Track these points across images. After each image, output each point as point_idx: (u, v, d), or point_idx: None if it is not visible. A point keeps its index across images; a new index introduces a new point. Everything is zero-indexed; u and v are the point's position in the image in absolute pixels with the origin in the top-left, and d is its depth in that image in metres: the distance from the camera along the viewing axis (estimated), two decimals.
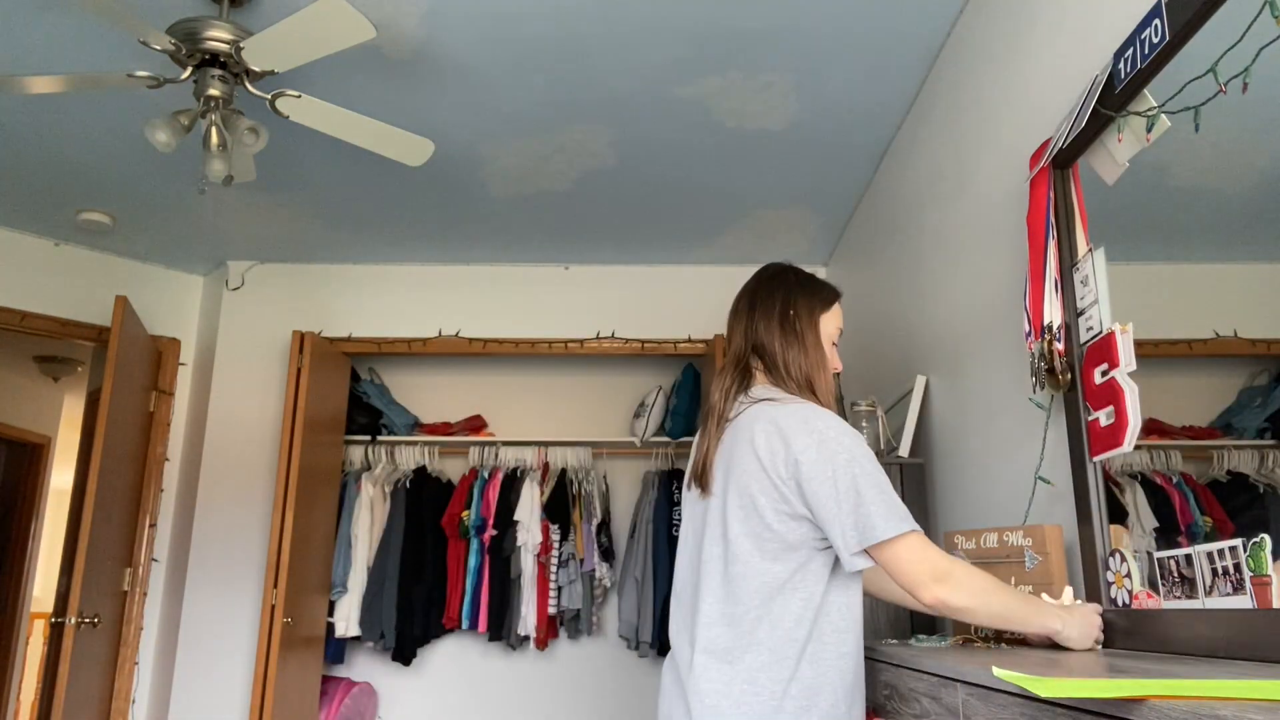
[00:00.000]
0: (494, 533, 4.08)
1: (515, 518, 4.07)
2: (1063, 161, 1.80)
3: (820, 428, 1.44)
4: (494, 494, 4.13)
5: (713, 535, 1.51)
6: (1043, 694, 0.81)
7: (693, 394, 4.44)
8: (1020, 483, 2.03)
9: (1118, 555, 1.58)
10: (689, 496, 1.64)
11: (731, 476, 1.50)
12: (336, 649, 4.11)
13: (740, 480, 1.48)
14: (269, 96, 2.46)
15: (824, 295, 1.66)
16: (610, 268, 4.33)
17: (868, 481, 1.40)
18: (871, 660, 1.69)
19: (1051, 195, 1.81)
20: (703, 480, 1.56)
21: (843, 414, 3.00)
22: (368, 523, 4.16)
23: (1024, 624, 1.45)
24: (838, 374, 1.67)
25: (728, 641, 1.44)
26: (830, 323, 1.64)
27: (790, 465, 1.43)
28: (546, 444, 4.33)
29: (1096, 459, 1.64)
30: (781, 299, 1.62)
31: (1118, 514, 1.63)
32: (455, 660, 4.28)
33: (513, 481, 4.19)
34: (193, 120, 2.46)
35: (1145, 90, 1.52)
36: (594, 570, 4.09)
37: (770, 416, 1.48)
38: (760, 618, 1.43)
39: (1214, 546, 1.30)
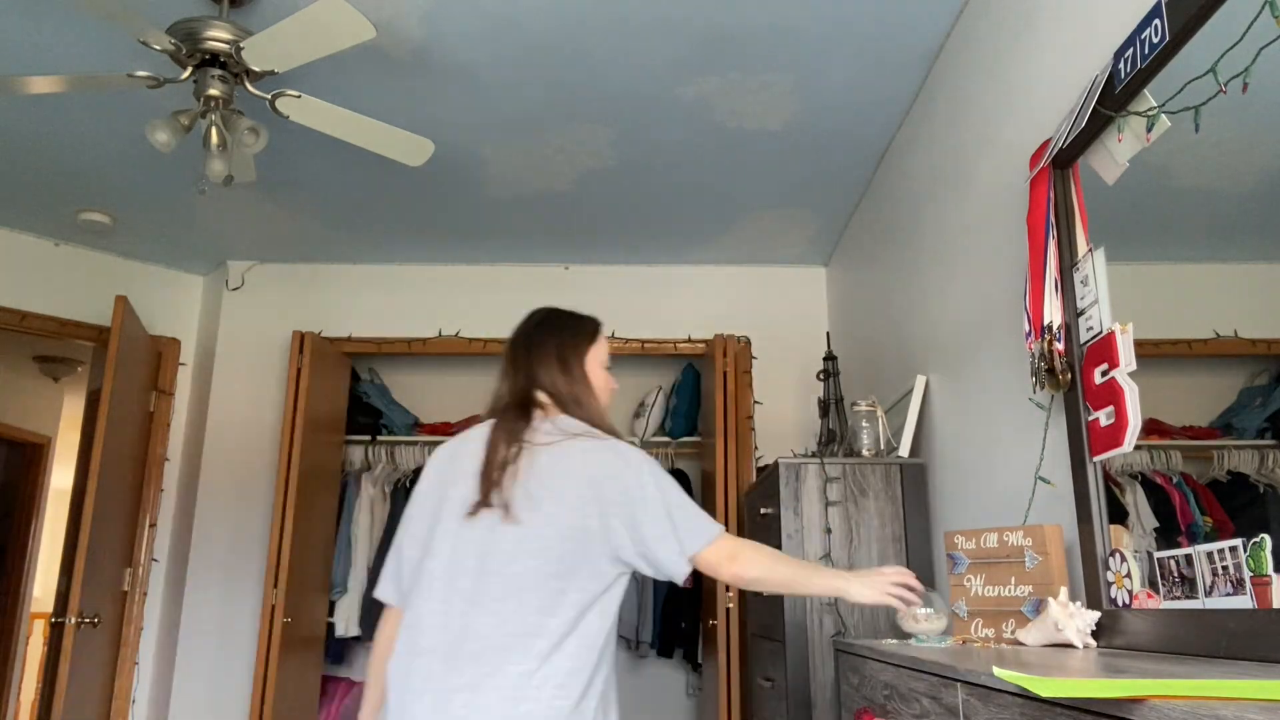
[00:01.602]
0: None
1: None
2: (1063, 161, 1.80)
3: (635, 457, 1.66)
4: None
5: (479, 557, 1.60)
6: (1043, 694, 0.81)
7: (693, 394, 4.44)
8: (1020, 483, 2.03)
9: (1118, 555, 1.58)
10: (488, 519, 1.64)
11: (545, 505, 1.60)
12: (336, 649, 4.12)
13: (530, 505, 1.60)
14: (269, 96, 2.46)
15: (588, 332, 1.84)
16: (610, 268, 4.33)
17: (678, 502, 1.65)
18: (872, 660, 1.69)
19: (1051, 195, 1.81)
20: (488, 502, 1.63)
21: (840, 415, 3.00)
22: (368, 523, 4.16)
23: (808, 586, 1.70)
24: (613, 392, 1.87)
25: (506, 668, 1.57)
26: (600, 353, 1.83)
27: (616, 489, 1.61)
28: None
29: (1097, 459, 1.64)
30: (555, 344, 1.79)
31: (1118, 514, 1.63)
32: None
33: None
34: (193, 120, 2.46)
35: (1145, 90, 1.52)
36: None
37: (593, 449, 1.65)
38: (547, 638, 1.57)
39: (1214, 546, 1.30)
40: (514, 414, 1.72)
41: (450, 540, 1.61)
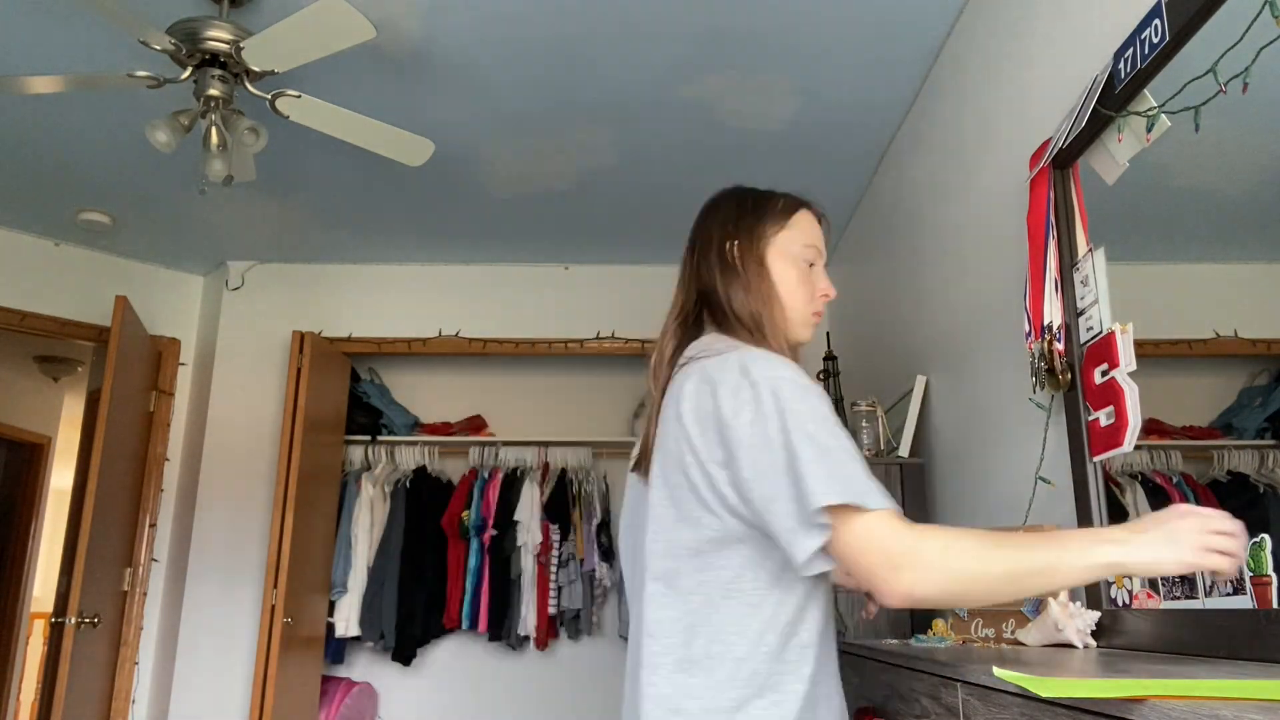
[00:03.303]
0: (494, 533, 4.08)
1: (515, 518, 4.07)
2: (1063, 161, 1.80)
3: (761, 376, 1.12)
4: (494, 494, 4.13)
5: (649, 528, 1.20)
6: (1043, 694, 0.81)
7: None
8: (1020, 483, 2.03)
9: None
10: (632, 480, 1.32)
11: (660, 455, 1.20)
12: (336, 649, 4.11)
13: (668, 458, 1.17)
14: (269, 96, 2.46)
15: (775, 210, 1.34)
16: (610, 268, 4.33)
17: (808, 444, 1.06)
18: (872, 660, 1.69)
19: (1051, 195, 1.81)
20: (643, 462, 1.25)
21: (840, 415, 3.00)
22: (368, 523, 4.16)
23: (1052, 579, 1.03)
24: (827, 300, 1.35)
25: (671, 657, 1.14)
26: (792, 241, 1.32)
27: (720, 427, 1.11)
28: (546, 444, 4.33)
29: (1097, 459, 1.64)
30: (719, 230, 1.33)
31: (1118, 514, 1.63)
32: (455, 660, 4.28)
33: (513, 481, 4.19)
34: (193, 120, 2.46)
35: (1145, 90, 1.52)
36: (594, 570, 4.09)
37: (701, 370, 1.18)
38: (698, 630, 1.13)
39: None
40: (670, 338, 1.31)
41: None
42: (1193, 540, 0.99)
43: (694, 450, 1.13)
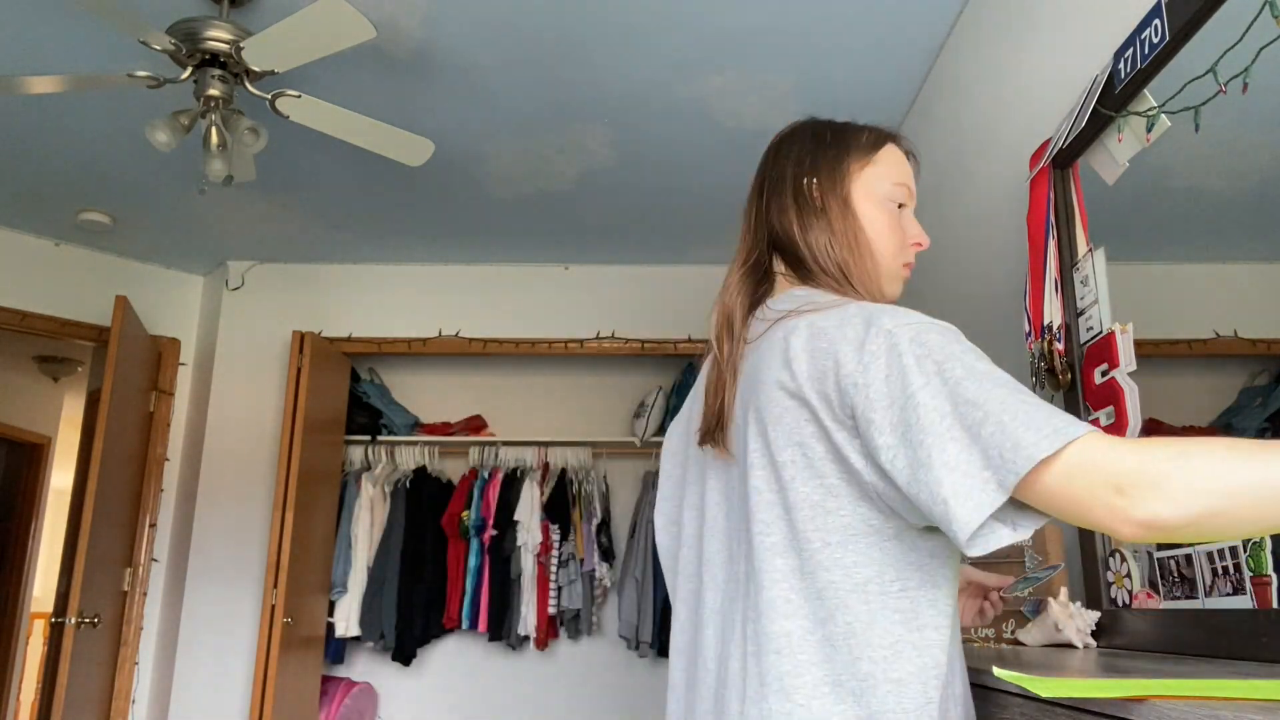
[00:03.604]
0: (494, 533, 4.08)
1: (515, 518, 4.07)
2: (1063, 161, 1.80)
3: (893, 324, 0.90)
4: (494, 494, 4.13)
5: (756, 517, 0.97)
6: (1043, 694, 0.81)
7: None
8: None
9: (1118, 555, 1.58)
10: (694, 457, 1.13)
11: (755, 427, 0.98)
12: (336, 649, 4.12)
13: (776, 430, 0.95)
14: (269, 96, 2.46)
15: (860, 144, 1.15)
16: (610, 268, 4.33)
17: (983, 387, 0.84)
18: None
19: (1051, 195, 1.81)
20: (718, 434, 1.05)
21: None
22: (368, 523, 4.16)
23: None
24: (920, 249, 1.16)
25: (819, 670, 0.91)
26: (879, 180, 1.13)
27: (846, 393, 0.90)
28: (546, 444, 4.33)
29: None
30: (794, 164, 1.16)
31: None
32: (455, 660, 4.28)
33: (513, 481, 4.19)
34: (193, 120, 2.46)
35: (1145, 90, 1.52)
36: (594, 570, 4.09)
37: (805, 330, 0.96)
38: (837, 643, 0.91)
39: (1214, 546, 1.30)
40: (738, 292, 1.12)
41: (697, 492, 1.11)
42: None
43: (816, 419, 0.92)
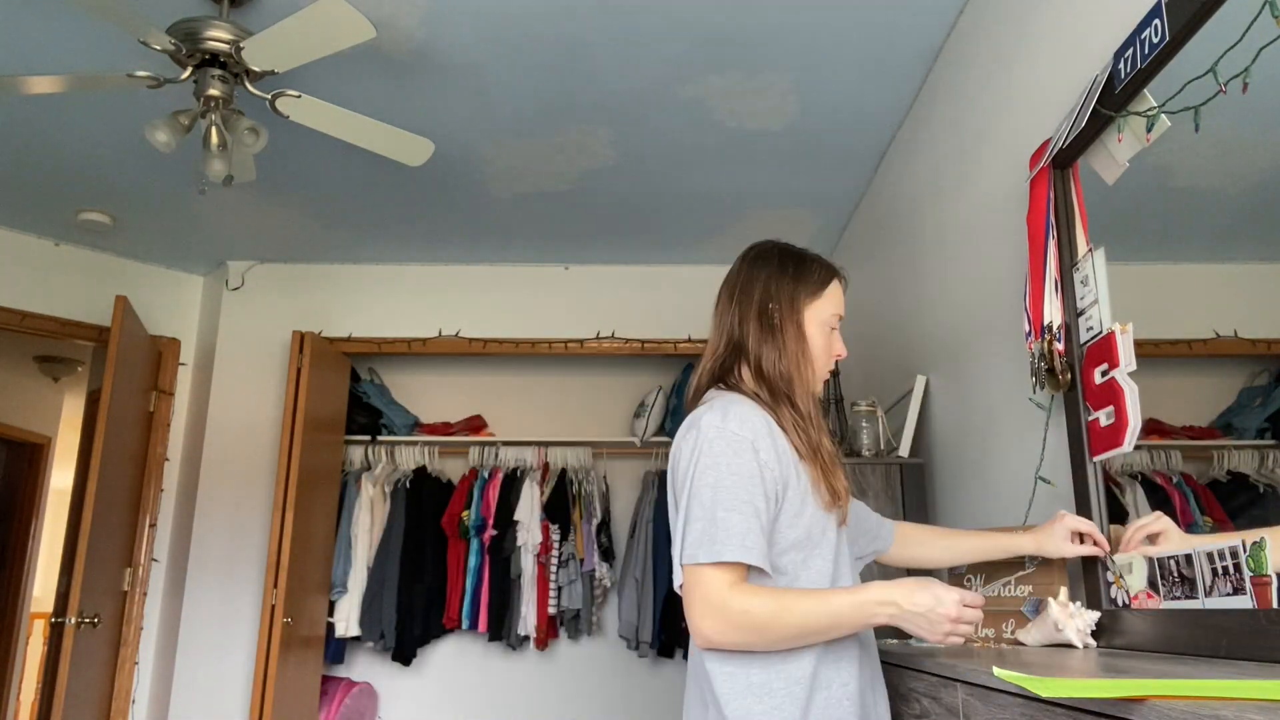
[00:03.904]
0: (494, 533, 4.08)
1: (515, 518, 4.07)
2: (1063, 161, 1.80)
3: (706, 424, 1.35)
4: (494, 494, 4.13)
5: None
6: (1043, 694, 0.81)
7: None
8: (1020, 483, 2.03)
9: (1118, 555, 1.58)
10: None
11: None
12: (336, 649, 4.11)
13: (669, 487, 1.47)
14: (269, 96, 2.46)
15: (814, 279, 1.50)
16: (610, 268, 4.33)
17: (701, 499, 1.30)
18: None
19: (1051, 195, 1.81)
20: None
21: (840, 415, 3.00)
22: (368, 523, 4.16)
23: (832, 635, 1.30)
24: (840, 359, 1.55)
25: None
26: (824, 309, 1.49)
27: (672, 471, 1.41)
28: (546, 444, 4.33)
29: (1097, 459, 1.64)
30: (761, 290, 1.48)
31: (1118, 514, 1.63)
32: (455, 660, 4.28)
33: (513, 481, 4.19)
34: (193, 120, 2.46)
35: (1145, 90, 1.52)
36: (594, 570, 4.09)
37: (688, 418, 1.44)
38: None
39: (1214, 546, 1.30)
40: (705, 375, 1.50)
41: None
42: (941, 629, 1.24)
43: (673, 490, 1.41)
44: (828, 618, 1.26)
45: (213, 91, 2.37)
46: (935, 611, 1.24)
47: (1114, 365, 1.56)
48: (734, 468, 1.30)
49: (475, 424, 4.43)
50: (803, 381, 1.45)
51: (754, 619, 1.24)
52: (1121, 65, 1.56)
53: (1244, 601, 1.23)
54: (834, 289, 1.52)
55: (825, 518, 1.39)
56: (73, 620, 3.38)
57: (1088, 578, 1.66)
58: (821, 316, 1.49)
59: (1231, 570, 1.26)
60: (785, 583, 1.34)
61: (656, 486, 4.17)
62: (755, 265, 1.51)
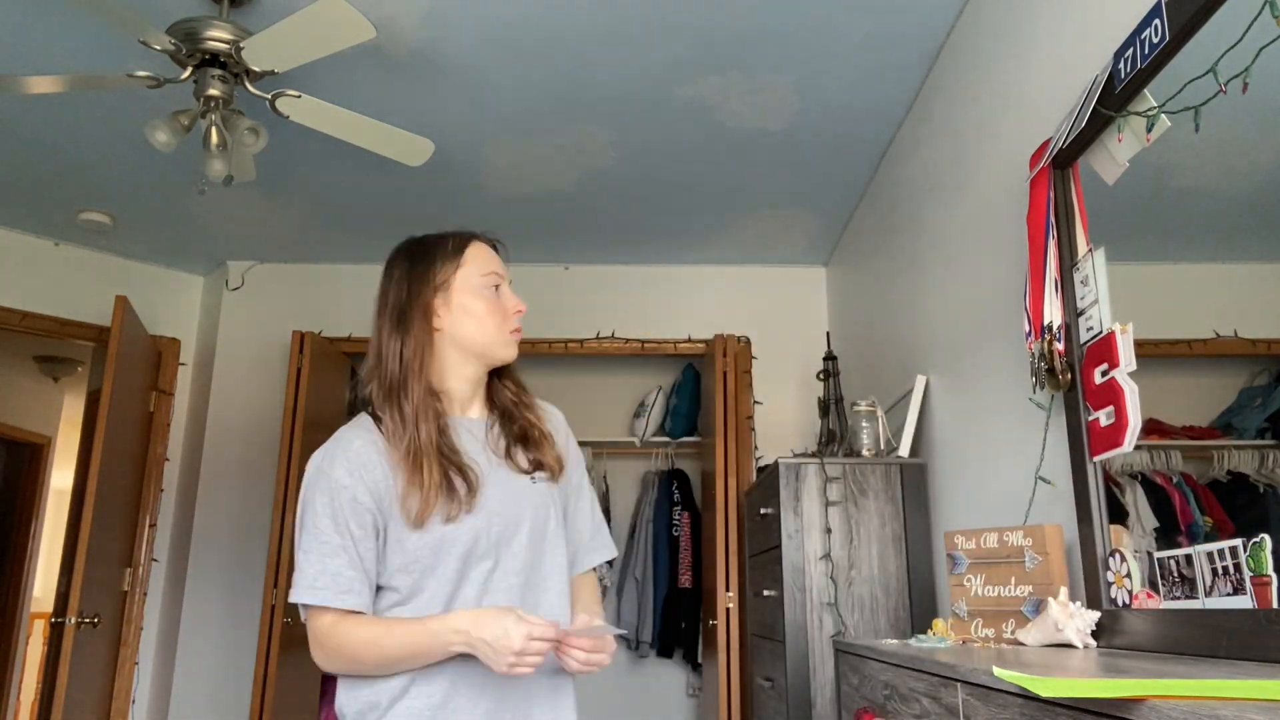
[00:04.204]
0: None
1: None
2: (1063, 161, 1.80)
3: (308, 467, 1.39)
4: None
5: None
6: (1043, 694, 0.81)
7: (693, 394, 4.44)
8: (1020, 483, 2.03)
9: (1118, 555, 1.58)
10: None
11: None
12: None
13: None
14: (269, 96, 2.46)
15: (445, 255, 1.47)
16: (610, 268, 4.33)
17: (299, 543, 1.36)
18: (872, 660, 1.69)
19: (1051, 195, 1.81)
20: None
21: (840, 415, 3.00)
22: None
23: (418, 663, 1.33)
24: (521, 314, 1.48)
25: None
26: (470, 275, 1.45)
27: None
28: None
29: (1097, 459, 1.64)
30: (394, 292, 1.45)
31: (1118, 514, 1.63)
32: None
33: None
34: (193, 120, 2.46)
35: (1145, 90, 1.52)
36: None
37: None
38: None
39: (1214, 546, 1.30)
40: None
41: None
42: (508, 660, 1.23)
43: None
44: (409, 648, 1.31)
45: (213, 91, 2.37)
46: (500, 642, 1.23)
47: (1114, 365, 1.56)
48: (314, 505, 1.33)
49: None
50: (424, 372, 1.40)
51: (345, 652, 1.34)
52: (1121, 65, 1.56)
53: (1244, 601, 1.23)
54: (475, 251, 1.48)
55: (442, 533, 1.33)
56: (73, 620, 3.38)
57: (1088, 578, 1.66)
58: (471, 283, 1.44)
59: (1231, 570, 1.26)
60: (396, 602, 1.36)
61: (656, 486, 4.17)
62: (388, 272, 1.48)
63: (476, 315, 1.43)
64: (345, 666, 1.36)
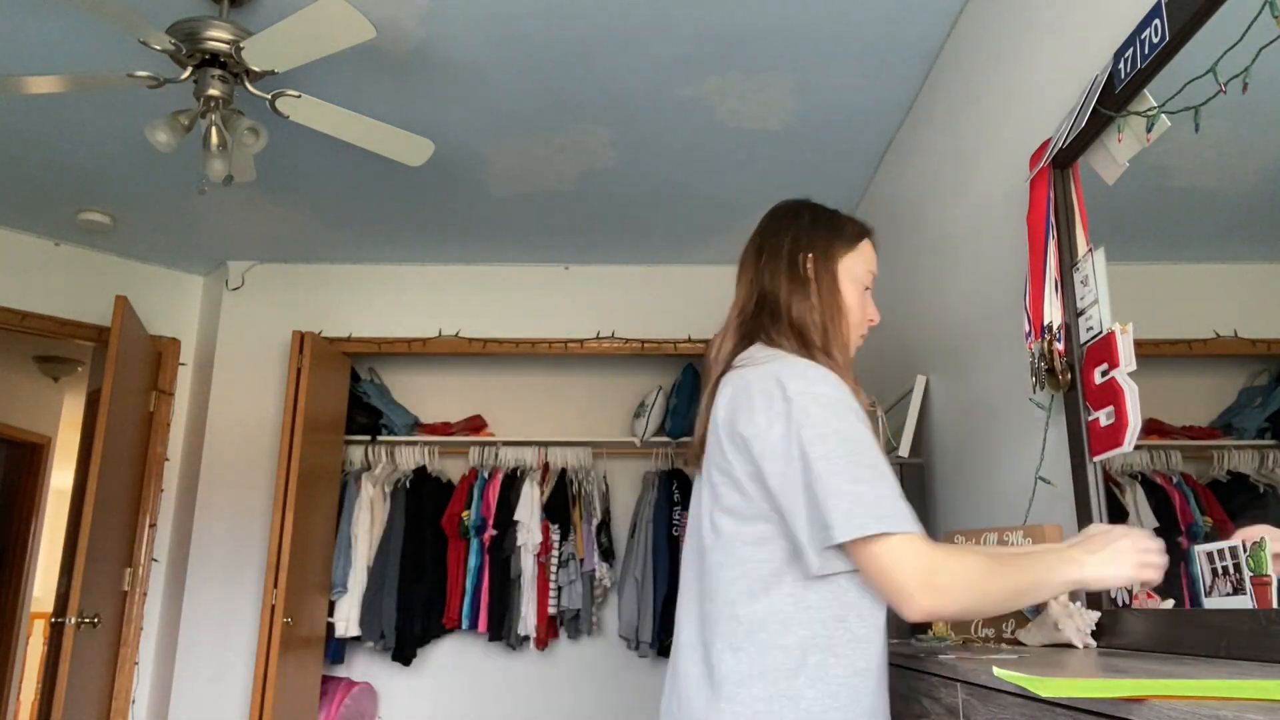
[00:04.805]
0: (494, 533, 4.08)
1: (515, 518, 4.07)
2: (1063, 161, 1.80)
3: (795, 391, 1.18)
4: (494, 494, 4.13)
5: (694, 523, 1.33)
6: (1043, 694, 0.81)
7: (693, 394, 4.44)
8: (1020, 483, 2.03)
9: None
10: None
11: (707, 454, 1.31)
12: (336, 649, 4.11)
13: (710, 457, 1.29)
14: (269, 96, 2.46)
15: (847, 233, 1.41)
16: (610, 268, 4.33)
17: (834, 466, 1.13)
18: None
19: (1051, 195, 1.81)
20: (697, 457, 1.36)
21: None
22: (368, 523, 4.16)
23: (1036, 595, 1.21)
24: (873, 325, 1.43)
25: (704, 653, 1.22)
26: (857, 265, 1.39)
27: (744, 441, 1.21)
28: (546, 444, 4.32)
29: (1097, 459, 1.64)
30: (791, 240, 1.38)
31: (1118, 514, 1.63)
32: (455, 660, 4.28)
33: (513, 481, 4.19)
34: (193, 120, 2.46)
35: (1145, 90, 1.52)
36: (594, 570, 4.09)
37: (741, 380, 1.26)
38: (740, 620, 1.19)
39: (1214, 546, 1.30)
40: (729, 337, 1.37)
41: None
42: (1131, 558, 1.17)
43: (727, 461, 1.23)
44: (1034, 575, 1.16)
45: (213, 91, 2.37)
46: (1125, 541, 1.17)
47: (1114, 365, 1.56)
48: (858, 428, 1.19)
49: (475, 424, 4.43)
50: (839, 335, 1.33)
51: (968, 577, 1.12)
52: (1121, 65, 1.56)
53: (1244, 601, 1.23)
54: (866, 246, 1.43)
55: None
56: (73, 620, 3.38)
57: None
58: (855, 273, 1.39)
59: (1231, 570, 1.26)
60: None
61: (656, 486, 4.17)
62: (783, 218, 1.43)
63: (850, 302, 1.39)
64: (968, 602, 1.12)
